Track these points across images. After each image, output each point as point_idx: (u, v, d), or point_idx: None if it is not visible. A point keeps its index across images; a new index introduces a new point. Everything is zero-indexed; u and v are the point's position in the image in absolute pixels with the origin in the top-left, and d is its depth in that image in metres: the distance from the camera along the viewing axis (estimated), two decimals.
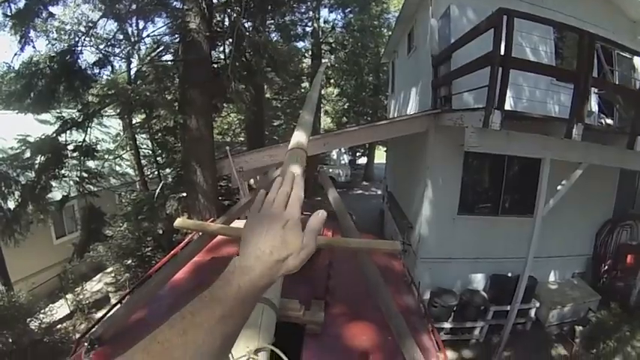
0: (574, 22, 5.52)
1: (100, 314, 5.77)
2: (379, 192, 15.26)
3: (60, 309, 7.32)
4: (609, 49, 5.96)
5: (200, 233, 3.19)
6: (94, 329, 2.12)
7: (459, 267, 6.08)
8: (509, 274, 5.88)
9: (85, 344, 2.00)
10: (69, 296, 7.40)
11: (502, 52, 3.90)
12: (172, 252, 3.55)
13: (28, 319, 6.43)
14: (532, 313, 6.06)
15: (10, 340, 5.97)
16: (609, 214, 6.85)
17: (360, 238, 3.02)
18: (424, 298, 5.58)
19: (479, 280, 6.21)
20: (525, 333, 6.02)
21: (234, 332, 0.55)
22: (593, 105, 6.03)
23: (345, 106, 20.71)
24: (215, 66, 5.70)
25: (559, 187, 4.70)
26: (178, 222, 3.42)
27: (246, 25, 5.28)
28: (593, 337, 5.62)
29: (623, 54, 6.28)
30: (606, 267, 6.81)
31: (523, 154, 4.67)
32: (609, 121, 6.65)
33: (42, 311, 6.76)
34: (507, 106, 4.30)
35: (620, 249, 6.74)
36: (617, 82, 6.42)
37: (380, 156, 19.81)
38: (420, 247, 6.03)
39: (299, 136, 1.45)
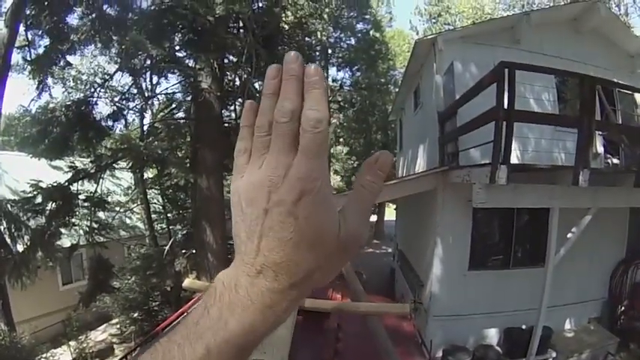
0: (572, 64, 5.66)
1: None
2: (389, 250, 14.99)
3: (62, 355, 7.18)
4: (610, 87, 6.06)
5: None
6: None
7: (472, 323, 5.90)
8: (524, 327, 5.68)
9: None
10: (72, 343, 7.28)
11: (505, 107, 3.98)
12: (180, 311, 3.53)
13: None
14: None
15: None
16: (622, 254, 6.70)
17: (369, 301, 3.03)
18: (437, 356, 5.40)
19: (492, 335, 6.00)
20: None
21: None
22: (599, 146, 6.05)
23: (355, 165, 20.39)
24: (226, 125, 5.87)
25: (569, 235, 4.64)
26: (187, 283, 3.45)
27: (256, 85, 5.48)
28: None
29: (625, 91, 6.36)
30: (623, 308, 6.58)
31: (531, 205, 4.64)
32: (616, 160, 6.64)
33: (44, 355, 6.57)
34: (514, 159, 4.33)
35: (636, 288, 6.54)
36: (620, 121, 6.48)
37: (390, 213, 19.24)
38: (431, 305, 5.89)
39: None
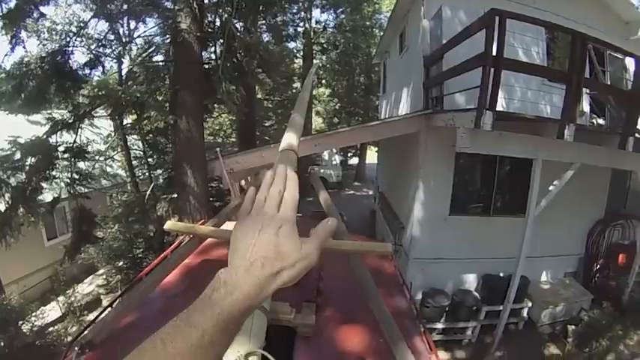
0: (565, 22, 5.55)
1: (91, 317, 5.74)
2: (371, 192, 15.22)
3: (52, 312, 7.24)
4: (601, 49, 5.99)
5: (190, 236, 3.19)
6: (84, 333, 2.13)
7: (451, 267, 6.08)
8: (502, 274, 5.91)
9: (76, 349, 2.01)
10: (60, 298, 7.30)
11: (494, 53, 3.91)
12: (163, 255, 3.53)
13: (20, 322, 6.26)
14: (524, 312, 6.09)
15: (2, 344, 5.78)
16: (601, 214, 6.91)
17: (351, 240, 3.05)
18: (416, 298, 5.59)
19: (471, 281, 6.22)
20: (518, 333, 6.05)
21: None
22: (585, 105, 6.06)
23: (337, 107, 20.68)
24: (206, 67, 5.68)
25: (551, 188, 4.72)
26: (168, 225, 3.42)
27: (237, 25, 5.26)
28: (585, 336, 5.65)
29: (615, 54, 6.31)
30: (598, 266, 6.87)
31: (515, 154, 4.69)
32: (601, 121, 6.70)
33: (34, 314, 6.64)
34: (499, 107, 4.31)
35: (612, 248, 6.80)
36: (608, 83, 6.47)
37: (372, 156, 19.66)
38: (411, 248, 6.03)
39: (290, 138, 1.44)
